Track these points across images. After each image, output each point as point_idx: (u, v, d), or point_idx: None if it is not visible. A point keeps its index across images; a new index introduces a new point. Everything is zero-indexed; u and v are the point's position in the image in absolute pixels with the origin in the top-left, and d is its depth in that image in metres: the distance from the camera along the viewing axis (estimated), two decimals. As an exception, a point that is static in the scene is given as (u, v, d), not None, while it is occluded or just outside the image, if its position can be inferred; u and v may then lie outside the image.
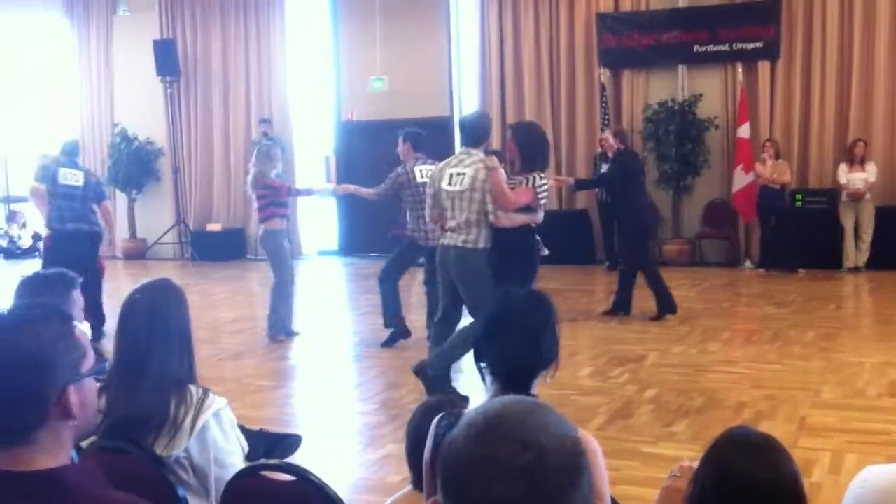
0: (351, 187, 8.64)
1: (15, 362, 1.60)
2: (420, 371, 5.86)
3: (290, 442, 3.80)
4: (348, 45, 14.30)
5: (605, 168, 9.73)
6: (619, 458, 4.66)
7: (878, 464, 1.91)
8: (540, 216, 5.97)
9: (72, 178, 8.41)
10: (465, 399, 5.47)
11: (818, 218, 11.38)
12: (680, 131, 12.11)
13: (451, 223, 5.84)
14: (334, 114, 14.62)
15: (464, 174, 5.81)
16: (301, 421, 5.92)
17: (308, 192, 9.63)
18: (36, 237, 15.11)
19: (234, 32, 14.79)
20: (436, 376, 5.77)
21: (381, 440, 5.29)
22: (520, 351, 2.39)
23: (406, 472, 2.52)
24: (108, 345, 3.02)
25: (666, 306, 8.59)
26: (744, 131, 11.88)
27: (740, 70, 12.13)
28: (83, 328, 1.81)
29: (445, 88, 13.84)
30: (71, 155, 8.69)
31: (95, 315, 7.69)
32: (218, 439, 2.66)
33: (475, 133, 6.04)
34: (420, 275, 8.34)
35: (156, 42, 14.62)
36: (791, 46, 11.98)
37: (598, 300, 9.80)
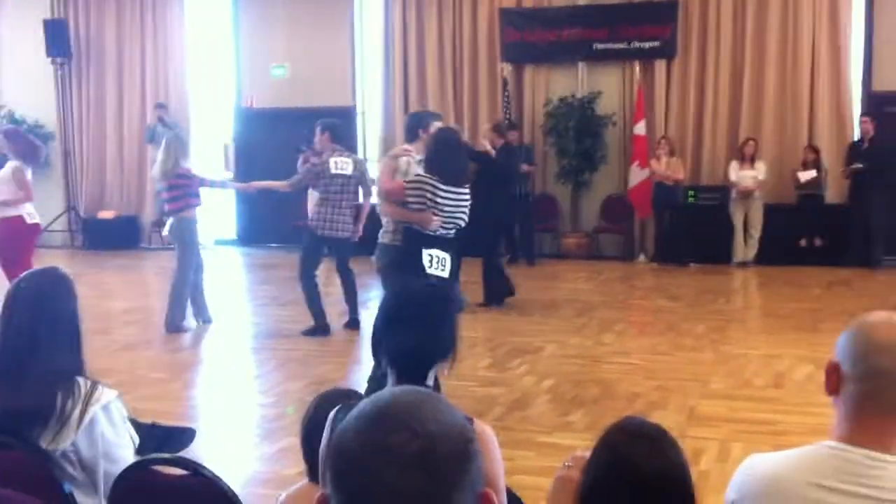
0: (264, 183, 8.69)
1: None
2: None
3: (183, 435, 3.73)
4: (249, 30, 14.05)
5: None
6: (515, 448, 4.72)
7: (763, 452, 1.98)
8: (426, 221, 5.18)
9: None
10: None
11: (710, 214, 11.75)
12: (580, 127, 12.32)
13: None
14: (234, 100, 14.35)
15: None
16: (196, 414, 5.81)
17: (223, 185, 9.55)
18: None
19: (130, 13, 14.36)
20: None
21: (279, 433, 5.23)
22: (418, 341, 2.39)
23: (303, 465, 2.50)
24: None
25: (493, 296, 8.98)
26: (640, 128, 12.17)
27: (638, 68, 12.42)
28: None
29: (348, 78, 13.74)
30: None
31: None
32: (107, 433, 2.59)
33: (405, 129, 6.09)
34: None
35: (46, 21, 14.09)
36: (687, 46, 12.32)
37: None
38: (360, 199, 7.99)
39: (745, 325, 8.32)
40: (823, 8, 11.78)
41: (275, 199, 11.31)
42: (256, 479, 4.55)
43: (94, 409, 2.57)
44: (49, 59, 14.23)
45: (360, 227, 8.00)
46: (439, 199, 5.15)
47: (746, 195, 11.52)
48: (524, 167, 11.49)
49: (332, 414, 2.29)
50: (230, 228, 14.44)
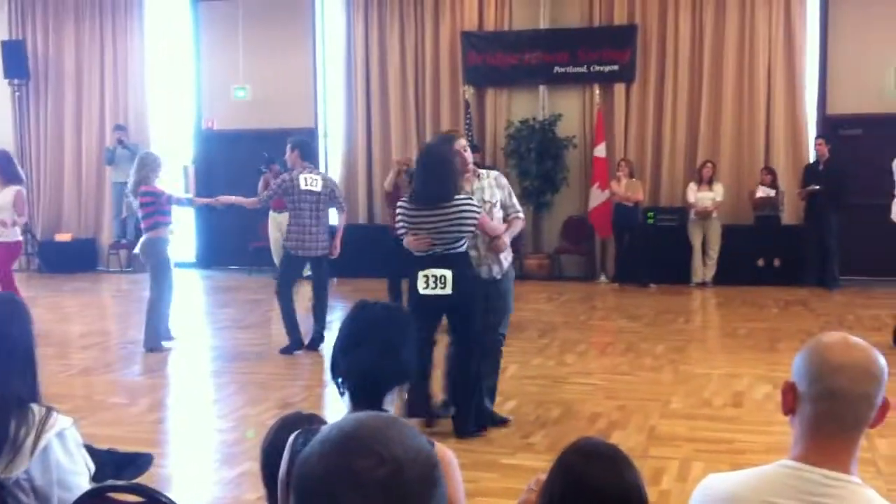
0: (231, 198, 8.74)
1: None
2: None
3: (140, 461, 3.68)
4: (210, 51, 14.00)
5: None
6: (477, 469, 4.72)
7: (722, 471, 2.00)
8: (410, 244, 5.44)
9: None
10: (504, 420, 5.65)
11: (668, 235, 11.89)
12: (541, 149, 12.42)
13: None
14: (194, 122, 14.27)
15: None
16: (155, 438, 5.72)
17: (189, 203, 9.54)
18: None
19: (89, 34, 14.25)
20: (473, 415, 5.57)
21: (239, 458, 5.17)
22: (374, 363, 2.36)
23: (262, 490, 2.47)
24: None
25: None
26: (600, 151, 12.29)
27: (597, 91, 12.56)
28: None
29: (310, 99, 13.74)
30: None
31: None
32: (61, 460, 2.54)
33: None
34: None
35: (4, 42, 13.96)
36: (646, 70, 12.49)
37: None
38: (337, 218, 8.19)
39: (704, 345, 8.40)
40: (779, 33, 12.01)
41: (234, 221, 11.25)
42: (216, 504, 4.49)
43: (49, 436, 2.52)
44: (6, 81, 14.08)
45: (338, 244, 8.12)
46: (414, 221, 5.40)
47: (705, 216, 11.67)
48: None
49: (291, 438, 2.27)
50: (189, 250, 14.31)
